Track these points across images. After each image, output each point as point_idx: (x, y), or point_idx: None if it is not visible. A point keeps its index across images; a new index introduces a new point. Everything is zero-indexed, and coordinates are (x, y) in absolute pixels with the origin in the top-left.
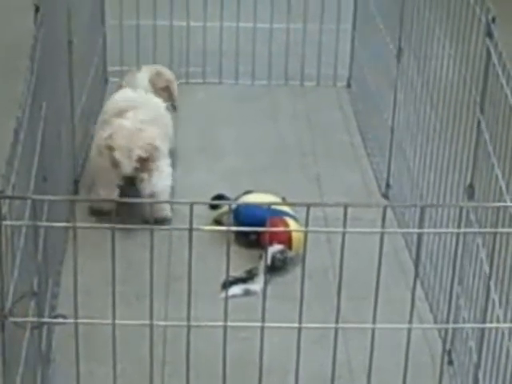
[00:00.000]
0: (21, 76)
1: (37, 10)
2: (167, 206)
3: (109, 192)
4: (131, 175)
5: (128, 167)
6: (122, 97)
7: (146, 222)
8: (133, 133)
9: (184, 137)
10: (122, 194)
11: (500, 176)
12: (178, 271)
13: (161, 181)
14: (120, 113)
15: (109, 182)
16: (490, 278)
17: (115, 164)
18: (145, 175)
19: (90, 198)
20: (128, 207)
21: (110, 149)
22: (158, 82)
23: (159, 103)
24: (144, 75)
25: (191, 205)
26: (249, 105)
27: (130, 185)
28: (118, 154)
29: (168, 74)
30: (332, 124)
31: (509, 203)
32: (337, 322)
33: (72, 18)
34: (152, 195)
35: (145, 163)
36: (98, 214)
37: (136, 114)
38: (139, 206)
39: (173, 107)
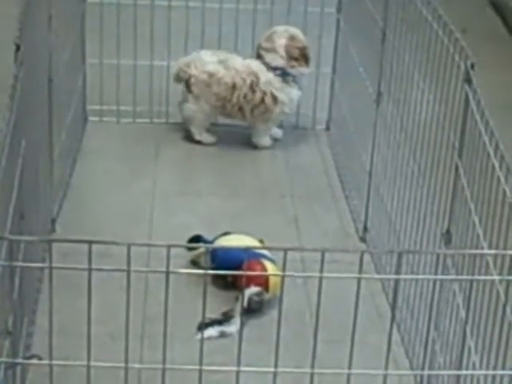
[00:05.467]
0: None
1: (17, 48)
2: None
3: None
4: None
5: (174, 68)
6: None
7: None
8: (197, 59)
9: (163, 177)
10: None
11: (477, 222)
12: (154, 312)
13: (186, 110)
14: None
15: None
16: (466, 323)
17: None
18: (185, 96)
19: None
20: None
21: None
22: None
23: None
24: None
25: (168, 247)
26: (228, 146)
27: None
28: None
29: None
30: (310, 166)
31: (485, 250)
32: (312, 366)
33: (53, 56)
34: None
35: (187, 85)
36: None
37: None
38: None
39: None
